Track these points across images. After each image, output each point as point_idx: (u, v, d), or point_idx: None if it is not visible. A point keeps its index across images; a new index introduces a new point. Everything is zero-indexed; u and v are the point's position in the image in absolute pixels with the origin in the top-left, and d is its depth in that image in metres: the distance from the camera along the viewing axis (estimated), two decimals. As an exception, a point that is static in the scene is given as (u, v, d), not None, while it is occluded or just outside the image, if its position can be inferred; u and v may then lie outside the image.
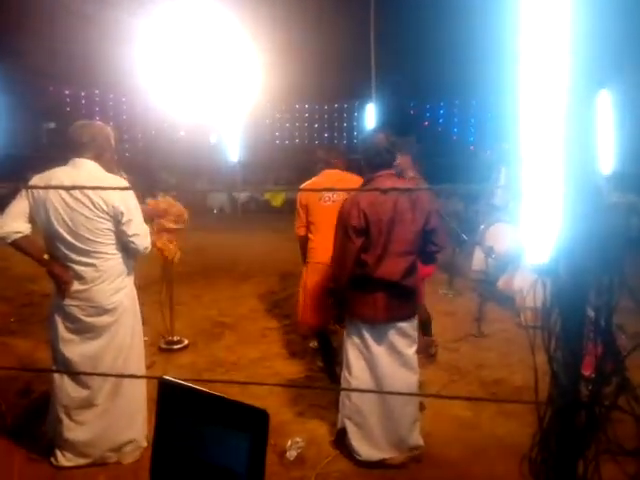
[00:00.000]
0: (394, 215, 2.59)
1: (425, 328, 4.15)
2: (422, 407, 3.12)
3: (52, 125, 16.31)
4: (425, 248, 2.73)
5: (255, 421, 0.93)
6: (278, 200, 13.16)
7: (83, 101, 15.98)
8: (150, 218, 3.81)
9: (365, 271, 2.62)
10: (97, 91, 15.82)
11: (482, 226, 5.38)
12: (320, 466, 2.75)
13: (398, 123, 13.15)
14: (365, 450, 2.73)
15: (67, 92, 15.76)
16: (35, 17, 10.24)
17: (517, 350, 4.10)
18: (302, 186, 3.77)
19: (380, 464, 2.74)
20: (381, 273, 2.61)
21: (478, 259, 5.53)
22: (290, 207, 12.82)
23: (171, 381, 1.07)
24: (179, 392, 1.04)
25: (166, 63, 9.77)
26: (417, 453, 2.80)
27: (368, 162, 2.71)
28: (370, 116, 11.47)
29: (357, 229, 2.58)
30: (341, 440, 2.88)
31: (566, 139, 1.22)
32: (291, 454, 2.83)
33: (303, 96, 15.26)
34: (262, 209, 13.31)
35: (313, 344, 4.34)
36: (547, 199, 1.39)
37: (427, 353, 4.10)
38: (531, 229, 1.56)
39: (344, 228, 2.61)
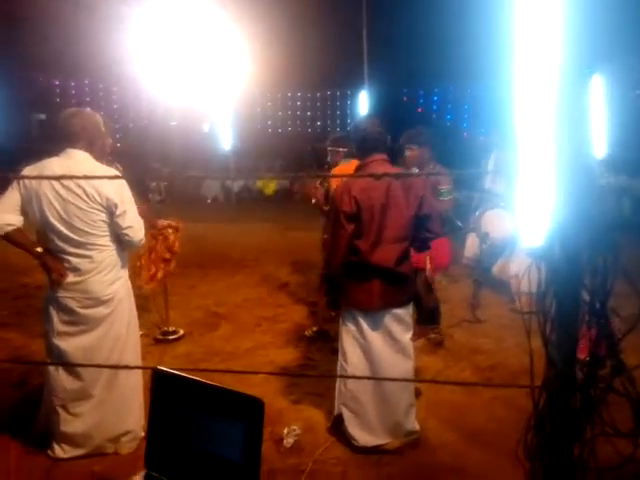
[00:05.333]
0: (387, 201, 2.59)
1: (433, 316, 4.16)
2: (418, 393, 3.13)
3: (42, 116, 16.13)
4: (419, 235, 2.72)
5: (250, 409, 0.93)
6: (270, 188, 13.15)
7: (73, 91, 15.80)
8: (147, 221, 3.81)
9: (359, 258, 2.62)
10: (87, 80, 15.63)
11: (477, 212, 5.37)
12: (317, 453, 2.77)
13: (391, 110, 13.11)
14: (362, 436, 2.75)
15: (57, 82, 15.56)
16: (23, 6, 10.07)
17: (512, 335, 4.12)
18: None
19: (377, 450, 2.76)
20: (375, 259, 2.61)
21: (471, 245, 5.53)
22: (282, 196, 12.88)
23: (165, 371, 1.06)
24: (173, 382, 1.03)
25: (156, 52, 9.66)
26: (413, 438, 2.82)
27: (360, 148, 2.71)
28: (363, 103, 11.43)
29: (348, 214, 2.57)
30: (338, 427, 2.90)
31: (559, 122, 1.21)
32: (288, 442, 2.84)
33: (295, 84, 15.16)
34: (256, 198, 13.28)
35: (308, 332, 4.35)
36: (540, 182, 1.38)
37: (433, 341, 4.13)
38: (525, 213, 1.55)
39: (336, 214, 2.60)
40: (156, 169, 12.79)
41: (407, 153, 4.05)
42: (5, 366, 3.68)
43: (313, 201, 4.26)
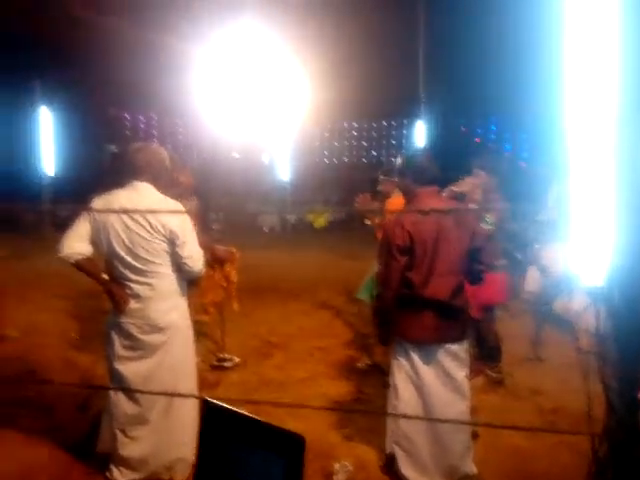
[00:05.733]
0: (438, 234, 2.57)
1: (494, 354, 4.05)
2: (475, 434, 3.02)
3: (114, 148, 17.17)
4: (472, 267, 2.67)
5: (291, 446, 0.94)
6: (320, 221, 13.26)
7: (142, 125, 16.77)
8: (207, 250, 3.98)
9: (412, 290, 2.59)
10: (154, 115, 16.56)
11: (536, 245, 5.19)
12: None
13: (448, 139, 13.01)
14: (415, 477, 2.67)
15: (127, 116, 16.58)
16: (96, 47, 10.89)
17: (577, 376, 3.89)
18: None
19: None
20: (429, 292, 2.58)
21: (532, 279, 5.33)
22: (338, 226, 12.94)
23: (214, 403, 1.09)
24: (221, 413, 1.06)
25: (218, 86, 10.14)
26: None
27: (411, 180, 2.71)
28: (419, 133, 11.42)
29: (401, 248, 2.57)
30: (390, 466, 2.82)
31: (619, 160, 1.18)
32: (338, 478, 2.80)
33: (351, 114, 15.38)
34: (312, 228, 13.42)
35: (361, 365, 4.30)
36: (598, 216, 1.34)
37: (493, 379, 4.00)
38: (582, 249, 1.50)
39: (388, 246, 2.60)
40: (216, 200, 13.27)
41: (472, 177, 4.04)
42: (72, 388, 3.86)
43: (367, 222, 4.30)
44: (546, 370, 4.24)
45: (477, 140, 14.40)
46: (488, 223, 3.91)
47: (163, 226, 2.67)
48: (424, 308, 2.59)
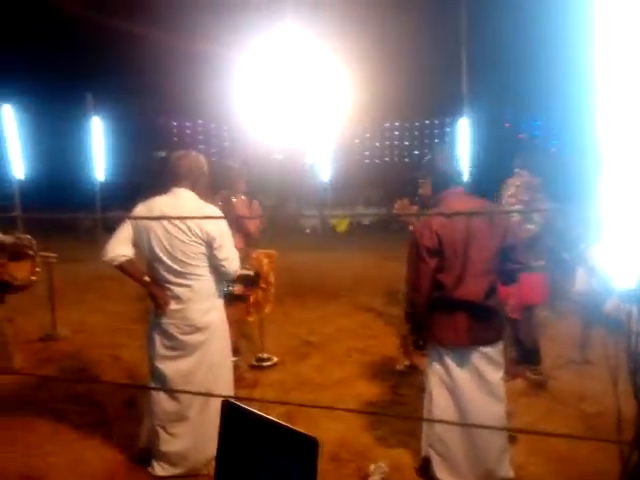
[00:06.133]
0: (469, 234, 2.53)
1: (532, 355, 3.96)
2: (513, 438, 2.95)
3: (163, 154, 17.76)
4: (505, 266, 2.62)
5: (305, 449, 0.96)
6: (342, 226, 13.31)
7: (188, 131, 17.26)
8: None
9: (444, 293, 2.56)
10: (200, 121, 17.02)
11: (582, 244, 5.01)
12: (403, 493, 2.70)
13: (492, 136, 12.73)
14: (451, 481, 2.63)
15: (175, 123, 17.11)
16: (145, 59, 11.30)
17: (625, 379, 3.73)
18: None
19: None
20: (461, 294, 2.54)
21: (581, 279, 5.15)
22: (376, 228, 12.88)
23: (234, 403, 1.13)
24: (240, 415, 1.09)
25: (261, 90, 10.31)
26: None
27: (437, 181, 2.69)
28: (462, 131, 11.21)
29: (430, 250, 2.54)
30: (426, 469, 2.80)
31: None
32: (374, 479, 2.80)
33: (393, 114, 15.28)
34: (352, 228, 13.43)
35: (399, 366, 4.28)
36: (634, 217, 1.30)
37: (534, 383, 3.91)
38: (617, 249, 1.46)
39: (417, 249, 2.58)
40: (260, 201, 13.48)
41: (515, 178, 3.96)
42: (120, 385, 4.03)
43: (411, 227, 4.26)
44: (592, 373, 4.07)
45: (520, 136, 14.01)
46: (534, 223, 3.82)
47: (201, 230, 2.76)
48: (456, 310, 2.56)
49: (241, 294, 4.03)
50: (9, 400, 3.77)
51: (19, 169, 9.87)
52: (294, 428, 1.02)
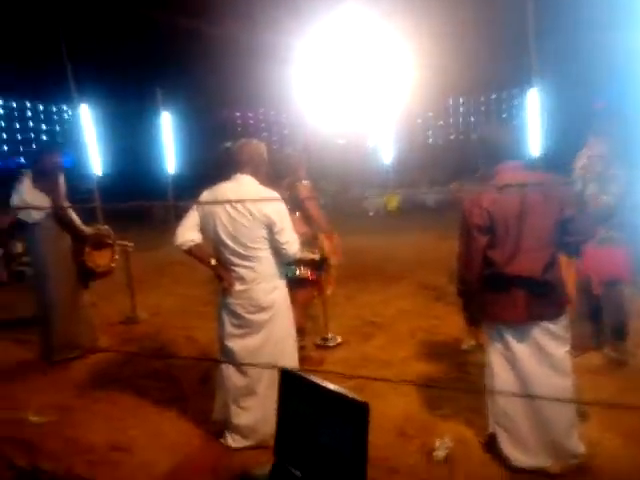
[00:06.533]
0: (522, 209, 2.45)
1: (618, 332, 3.80)
2: (584, 415, 2.86)
3: (227, 144, 18.27)
4: (566, 239, 2.52)
5: (357, 412, 1.01)
6: (393, 204, 13.16)
7: (251, 121, 17.64)
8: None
9: (494, 269, 2.51)
10: (261, 110, 17.33)
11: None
12: (469, 468, 2.69)
13: (565, 107, 12.06)
14: (517, 456, 2.60)
15: (238, 114, 17.54)
16: (208, 55, 11.65)
17: None
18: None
19: (535, 472, 2.58)
20: (515, 270, 2.48)
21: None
22: (445, 205, 12.60)
23: (291, 372, 1.19)
24: (297, 382, 1.15)
25: (321, 76, 10.33)
26: (577, 462, 2.58)
27: (490, 156, 2.61)
28: (532, 103, 10.68)
29: (481, 227, 2.49)
30: (492, 445, 2.78)
31: None
32: (439, 454, 2.81)
33: (456, 90, 14.81)
34: (417, 210, 13.24)
35: (465, 345, 4.23)
36: None
37: (615, 360, 3.76)
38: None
39: (467, 227, 2.53)
40: (322, 188, 13.59)
41: (587, 148, 3.79)
42: (193, 362, 4.26)
43: None
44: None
45: (598, 105, 13.14)
46: (610, 194, 3.63)
47: (261, 214, 2.86)
48: (512, 286, 2.50)
49: (309, 277, 4.12)
50: (97, 377, 4.10)
51: (97, 165, 10.53)
52: (347, 393, 1.06)
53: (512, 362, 2.60)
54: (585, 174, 3.82)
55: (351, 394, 1.04)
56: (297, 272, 4.01)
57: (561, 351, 2.57)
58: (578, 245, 2.63)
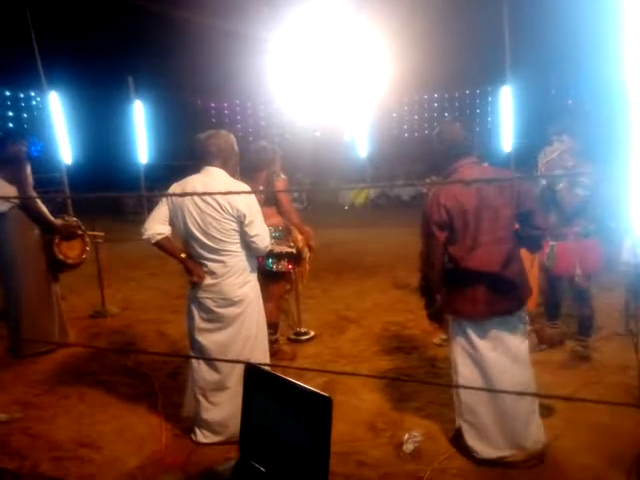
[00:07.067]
0: (479, 203, 2.49)
1: (585, 327, 3.89)
2: (550, 410, 2.93)
3: (201, 135, 18.00)
4: (525, 232, 2.58)
5: (321, 407, 1.00)
6: (360, 198, 13.29)
7: (226, 111, 17.43)
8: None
9: (456, 264, 2.54)
10: (237, 101, 17.13)
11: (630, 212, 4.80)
12: (437, 461, 2.73)
13: (538, 104, 12.24)
14: (482, 448, 2.66)
15: (212, 104, 17.30)
16: (181, 43, 11.44)
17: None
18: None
19: (500, 462, 2.64)
20: (474, 264, 2.52)
21: (628, 249, 4.97)
22: (419, 200, 12.73)
23: (255, 366, 1.18)
24: (263, 377, 1.14)
25: (296, 68, 10.24)
26: (538, 449, 2.65)
27: (447, 153, 2.63)
28: (505, 100, 10.81)
29: (439, 223, 2.52)
30: (459, 438, 2.82)
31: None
32: (407, 447, 2.84)
33: (430, 85, 14.89)
34: (392, 204, 13.32)
35: (436, 340, 4.28)
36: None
37: (579, 354, 3.85)
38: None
39: (427, 224, 2.57)
40: (298, 180, 13.53)
41: (558, 143, 3.85)
42: (163, 358, 4.21)
43: None
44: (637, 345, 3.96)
45: (570, 102, 13.39)
46: (583, 187, 3.69)
47: (231, 207, 2.82)
48: (473, 282, 2.54)
49: (285, 271, 4.10)
50: (65, 372, 4.02)
51: (66, 154, 10.25)
52: (310, 388, 1.06)
53: (474, 357, 2.64)
54: (551, 169, 3.90)
55: (314, 389, 1.04)
56: (277, 266, 4.00)
57: (521, 345, 2.63)
58: (538, 239, 2.69)
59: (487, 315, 2.57)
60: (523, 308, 2.66)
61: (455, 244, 2.55)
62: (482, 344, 2.61)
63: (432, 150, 2.72)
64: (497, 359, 2.60)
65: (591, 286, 3.93)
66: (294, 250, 4.07)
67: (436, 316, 2.80)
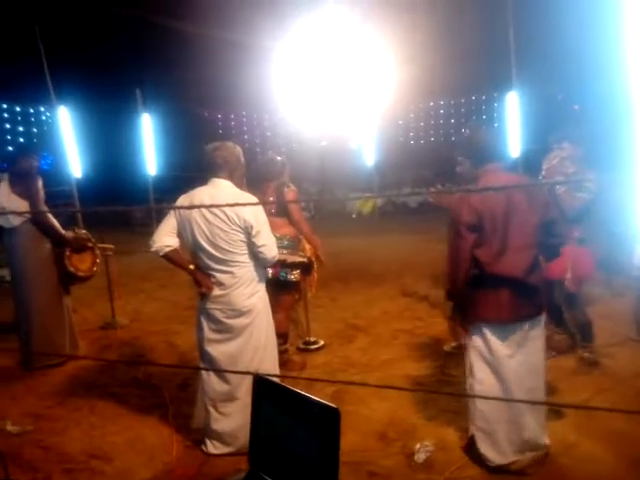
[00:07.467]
0: (508, 208, 2.50)
1: (584, 333, 3.85)
2: (559, 414, 2.91)
3: (208, 147, 18.11)
4: (546, 241, 2.57)
5: (329, 418, 1.00)
6: (368, 207, 13.24)
7: (232, 122, 17.53)
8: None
9: (482, 268, 2.53)
10: (244, 112, 17.24)
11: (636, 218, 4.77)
12: (449, 471, 2.71)
13: (543, 110, 12.22)
14: (494, 456, 2.63)
15: (219, 116, 17.42)
16: (188, 56, 11.57)
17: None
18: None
19: (509, 470, 2.62)
20: (501, 269, 2.51)
21: (639, 254, 4.92)
22: (426, 208, 12.69)
23: (263, 377, 1.18)
24: (271, 388, 1.14)
25: (302, 77, 10.31)
26: (542, 453, 2.64)
27: (476, 158, 2.64)
28: (511, 106, 10.79)
29: (469, 225, 2.51)
30: (472, 447, 2.80)
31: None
32: (419, 457, 2.82)
33: (437, 93, 14.90)
34: (400, 212, 13.30)
35: (447, 347, 4.25)
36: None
37: (586, 361, 3.81)
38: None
39: (456, 226, 2.56)
40: (305, 190, 13.55)
41: (559, 150, 3.84)
42: (173, 369, 4.22)
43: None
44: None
45: (576, 107, 13.34)
46: (586, 191, 3.68)
47: (238, 217, 2.83)
48: (498, 286, 2.53)
49: (297, 280, 4.11)
50: (76, 384, 4.04)
51: (76, 167, 10.36)
52: (318, 399, 1.06)
53: (492, 363, 2.62)
54: (552, 176, 3.89)
55: (322, 400, 1.04)
56: (287, 276, 4.00)
57: (538, 351, 2.61)
58: (557, 247, 2.68)
59: (510, 320, 2.56)
60: (543, 314, 2.65)
61: (482, 247, 2.53)
62: (500, 349, 2.59)
63: (440, 156, 2.74)
64: (515, 367, 2.59)
65: (581, 292, 3.91)
66: (306, 259, 4.08)
67: (464, 321, 2.71)
